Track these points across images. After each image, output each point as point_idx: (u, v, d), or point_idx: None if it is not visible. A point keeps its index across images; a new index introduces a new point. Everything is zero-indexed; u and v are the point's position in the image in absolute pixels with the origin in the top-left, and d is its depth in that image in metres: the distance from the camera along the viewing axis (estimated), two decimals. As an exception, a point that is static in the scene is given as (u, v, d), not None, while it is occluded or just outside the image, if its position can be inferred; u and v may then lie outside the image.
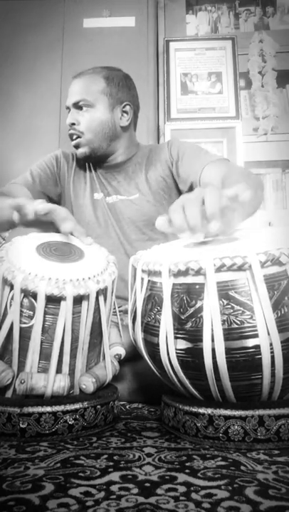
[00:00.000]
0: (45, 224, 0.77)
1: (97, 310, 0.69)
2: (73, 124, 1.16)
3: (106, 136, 1.18)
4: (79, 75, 1.21)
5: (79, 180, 1.24)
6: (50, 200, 1.19)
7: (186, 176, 1.14)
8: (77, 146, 1.18)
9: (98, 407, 0.65)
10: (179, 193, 1.19)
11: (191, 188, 1.14)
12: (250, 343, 0.57)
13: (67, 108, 1.20)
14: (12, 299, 0.64)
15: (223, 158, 1.16)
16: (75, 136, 1.17)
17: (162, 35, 2.30)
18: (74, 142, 1.18)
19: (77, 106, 1.17)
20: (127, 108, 1.21)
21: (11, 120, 2.15)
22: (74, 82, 1.20)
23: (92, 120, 1.16)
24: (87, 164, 1.26)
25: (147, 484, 0.44)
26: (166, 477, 0.46)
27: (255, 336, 0.56)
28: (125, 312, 1.03)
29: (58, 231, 0.77)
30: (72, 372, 0.67)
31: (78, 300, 0.65)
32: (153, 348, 0.65)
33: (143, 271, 0.67)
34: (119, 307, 1.01)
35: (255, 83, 2.19)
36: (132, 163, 1.23)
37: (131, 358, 0.84)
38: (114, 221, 1.18)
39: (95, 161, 1.23)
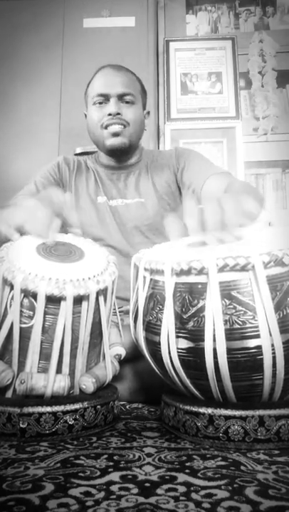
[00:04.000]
0: None
1: (97, 310, 0.69)
2: (118, 113, 1.15)
3: (140, 134, 1.22)
4: (118, 68, 1.20)
5: (81, 183, 1.24)
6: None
7: (189, 182, 1.16)
8: (117, 134, 1.16)
9: (98, 407, 0.65)
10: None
11: None
12: (252, 343, 0.57)
13: (102, 96, 1.16)
14: (12, 299, 0.64)
15: (226, 172, 1.18)
16: (119, 126, 1.15)
17: (162, 35, 2.30)
18: (117, 129, 1.15)
19: (122, 98, 1.16)
20: (147, 115, 1.26)
21: (10, 120, 2.15)
22: (115, 72, 1.19)
23: (136, 115, 1.18)
24: (91, 167, 1.26)
25: (147, 484, 0.44)
26: (166, 477, 0.46)
27: (257, 336, 0.56)
28: (126, 313, 1.03)
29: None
30: (72, 373, 0.67)
31: (78, 300, 0.65)
32: (154, 347, 0.65)
33: (145, 269, 0.67)
34: (119, 308, 1.01)
35: (255, 83, 2.19)
36: (138, 166, 1.25)
37: (131, 358, 0.84)
38: (117, 224, 1.18)
39: (120, 157, 1.23)
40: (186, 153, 1.25)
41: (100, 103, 1.17)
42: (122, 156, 1.22)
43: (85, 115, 1.25)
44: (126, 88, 1.16)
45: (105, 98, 1.16)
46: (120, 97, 1.16)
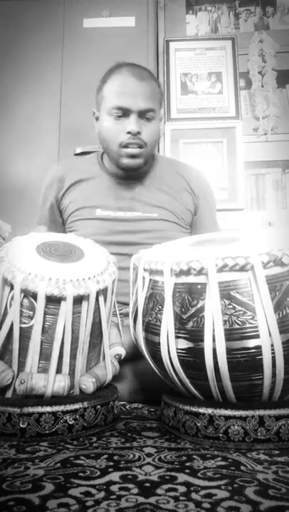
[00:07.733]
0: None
1: (97, 310, 0.69)
2: (139, 132, 1.04)
3: (155, 148, 1.14)
4: (141, 75, 1.07)
5: (82, 192, 1.16)
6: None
7: (199, 228, 1.17)
8: (135, 156, 1.07)
9: (98, 407, 0.65)
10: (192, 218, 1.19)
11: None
12: (252, 343, 0.57)
13: (122, 109, 1.05)
14: (12, 299, 0.64)
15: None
16: (137, 146, 1.06)
17: (162, 35, 2.30)
18: (135, 151, 1.06)
19: (143, 114, 1.05)
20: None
21: (11, 121, 2.15)
22: (138, 82, 1.05)
23: (154, 133, 1.08)
24: (95, 174, 1.18)
25: (147, 484, 0.44)
26: (166, 477, 0.46)
27: (257, 336, 0.56)
28: (126, 315, 1.02)
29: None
30: (72, 373, 0.67)
31: (78, 300, 0.65)
32: (154, 347, 0.65)
33: (145, 270, 0.67)
34: (119, 309, 1.01)
35: (255, 83, 2.19)
36: (149, 176, 1.17)
37: (131, 358, 0.84)
38: (121, 236, 1.11)
39: (132, 172, 1.13)
40: (201, 193, 1.18)
41: (119, 116, 1.05)
42: (134, 171, 1.13)
43: (94, 113, 1.14)
44: (149, 103, 1.04)
45: (124, 112, 1.05)
46: (141, 114, 1.05)
